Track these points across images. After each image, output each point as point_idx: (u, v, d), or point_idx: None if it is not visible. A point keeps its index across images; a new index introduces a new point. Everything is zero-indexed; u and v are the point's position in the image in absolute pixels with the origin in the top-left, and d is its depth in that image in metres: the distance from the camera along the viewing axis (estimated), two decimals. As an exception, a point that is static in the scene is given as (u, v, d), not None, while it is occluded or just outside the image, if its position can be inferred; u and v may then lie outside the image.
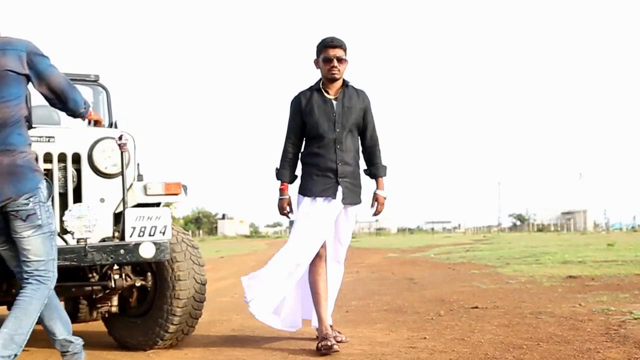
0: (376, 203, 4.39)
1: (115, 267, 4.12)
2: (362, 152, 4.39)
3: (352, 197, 4.26)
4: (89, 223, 3.72)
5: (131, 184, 4.19)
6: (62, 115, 4.99)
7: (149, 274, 4.31)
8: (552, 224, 70.31)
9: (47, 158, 3.96)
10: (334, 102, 4.22)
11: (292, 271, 4.16)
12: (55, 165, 3.97)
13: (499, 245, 20.83)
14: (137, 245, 3.79)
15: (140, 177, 4.65)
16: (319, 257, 4.21)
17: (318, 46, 4.25)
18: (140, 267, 4.30)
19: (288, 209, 4.36)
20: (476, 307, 5.69)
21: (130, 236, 3.83)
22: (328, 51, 4.18)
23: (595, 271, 8.74)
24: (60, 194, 4.00)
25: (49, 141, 3.99)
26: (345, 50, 4.20)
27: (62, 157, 4.02)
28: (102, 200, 4.10)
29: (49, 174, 3.97)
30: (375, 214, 4.40)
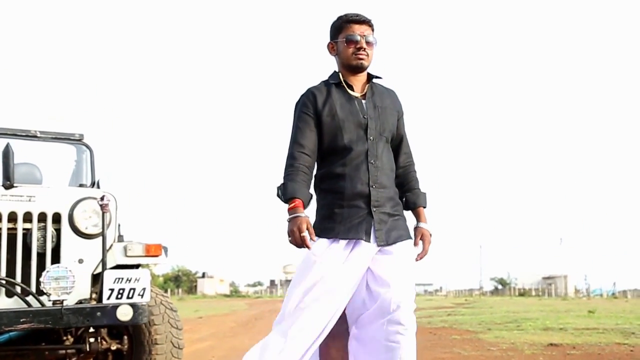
0: (421, 241, 3.04)
1: (91, 329, 4.05)
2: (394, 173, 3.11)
3: (391, 234, 2.90)
4: (67, 285, 3.68)
5: (111, 245, 4.17)
6: (45, 173, 4.99)
7: (126, 337, 4.23)
8: (534, 288, 70.28)
9: (27, 217, 3.94)
10: (363, 101, 2.98)
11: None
12: (34, 225, 3.95)
13: (480, 309, 20.72)
14: (115, 307, 3.74)
15: (120, 238, 4.62)
16: (338, 338, 2.90)
17: (336, 23, 3.01)
18: (117, 330, 4.23)
19: (307, 232, 2.76)
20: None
21: (108, 298, 3.78)
22: (353, 27, 2.95)
23: (577, 339, 8.70)
24: (38, 254, 3.96)
25: (29, 200, 3.97)
26: (373, 30, 3.00)
27: (42, 217, 3.99)
28: (80, 261, 4.05)
29: (28, 233, 3.94)
30: (421, 256, 3.02)
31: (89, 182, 5.16)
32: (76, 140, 5.30)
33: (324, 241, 2.82)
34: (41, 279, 3.68)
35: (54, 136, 5.06)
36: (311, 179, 2.92)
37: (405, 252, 2.90)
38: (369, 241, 2.82)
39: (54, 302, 3.67)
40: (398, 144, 3.09)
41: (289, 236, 2.75)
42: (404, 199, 3.06)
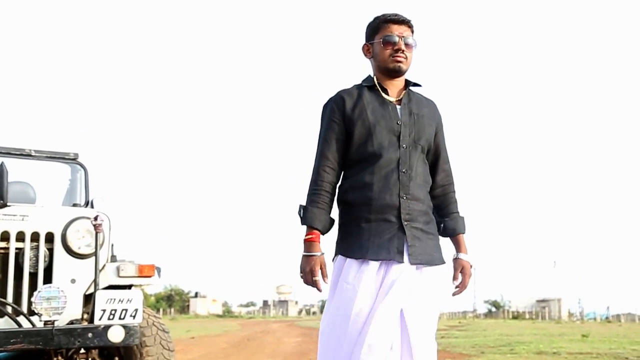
0: (460, 274, 2.73)
1: (82, 350, 4.02)
2: (431, 194, 2.79)
3: (426, 254, 2.60)
4: (58, 305, 3.66)
5: (104, 265, 4.15)
6: (39, 192, 4.99)
7: (117, 358, 4.20)
8: (527, 311, 70.10)
9: (20, 237, 3.93)
10: (397, 107, 2.72)
11: None
12: (27, 245, 3.93)
13: (474, 332, 20.64)
14: (106, 328, 3.72)
15: (113, 258, 4.60)
16: None
17: (372, 24, 2.77)
18: (108, 351, 4.20)
19: (320, 274, 2.57)
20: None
21: (100, 319, 3.76)
22: (391, 28, 2.71)
23: (570, 364, 8.67)
24: (30, 273, 3.94)
25: (22, 219, 3.96)
26: (413, 31, 2.76)
27: (35, 236, 3.98)
28: (73, 281, 4.03)
29: (20, 252, 3.93)
30: (459, 290, 2.73)
31: (82, 202, 5.16)
32: (71, 159, 5.30)
33: (352, 263, 2.55)
34: (33, 299, 3.66)
35: (48, 155, 5.07)
36: (334, 195, 2.69)
37: (435, 282, 2.63)
38: (402, 261, 2.52)
39: (45, 323, 3.65)
40: (436, 159, 2.81)
41: (301, 272, 2.58)
42: (442, 225, 2.78)
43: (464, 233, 2.79)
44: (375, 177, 2.59)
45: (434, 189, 2.78)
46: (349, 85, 2.75)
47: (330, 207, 2.67)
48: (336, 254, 2.63)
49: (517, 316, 63.86)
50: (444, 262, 2.66)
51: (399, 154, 2.62)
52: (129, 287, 4.28)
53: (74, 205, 4.95)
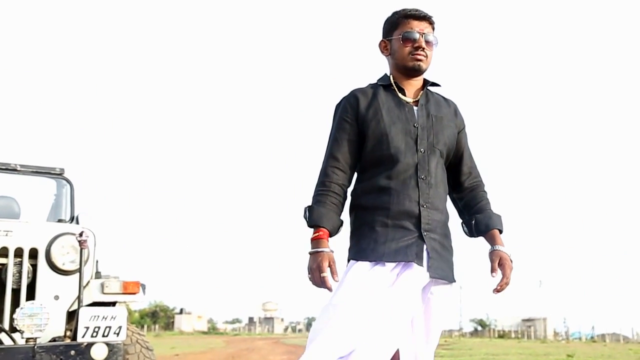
0: (500, 268, 2.45)
1: (64, 368, 3.97)
2: (456, 196, 2.66)
3: (443, 268, 2.42)
4: (41, 322, 3.62)
5: (88, 282, 4.12)
6: (23, 207, 4.95)
7: (99, 376, 4.15)
8: (513, 330, 70.13)
9: (3, 252, 3.89)
10: (414, 108, 2.54)
11: None
12: (10, 260, 3.90)
13: (460, 351, 20.59)
14: (89, 346, 3.68)
15: (98, 275, 4.57)
16: None
17: (391, 19, 2.59)
18: (91, 369, 4.15)
19: (329, 270, 2.32)
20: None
21: (83, 336, 3.72)
22: (412, 24, 2.53)
23: (555, 384, 8.67)
24: (13, 289, 3.90)
25: (6, 235, 3.93)
26: (434, 28, 2.58)
27: (18, 252, 3.94)
28: (56, 297, 4.00)
29: (3, 268, 3.89)
30: (502, 286, 2.44)
31: (68, 217, 5.12)
32: (57, 174, 5.27)
33: (364, 264, 2.34)
34: (15, 316, 3.62)
35: (34, 170, 5.04)
36: (344, 199, 2.49)
37: (447, 299, 2.47)
38: (421, 265, 2.32)
39: (27, 340, 3.60)
40: (459, 161, 2.62)
41: (309, 273, 2.34)
42: (473, 222, 2.55)
43: (499, 228, 2.55)
44: (392, 182, 2.41)
45: (460, 191, 2.62)
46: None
47: (340, 209, 2.46)
48: (350, 259, 2.40)
49: (502, 335, 63.86)
50: (454, 281, 2.48)
51: (417, 158, 2.44)
52: (113, 304, 4.24)
53: (59, 220, 4.92)
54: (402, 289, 2.29)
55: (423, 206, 2.39)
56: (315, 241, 2.36)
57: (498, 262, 2.45)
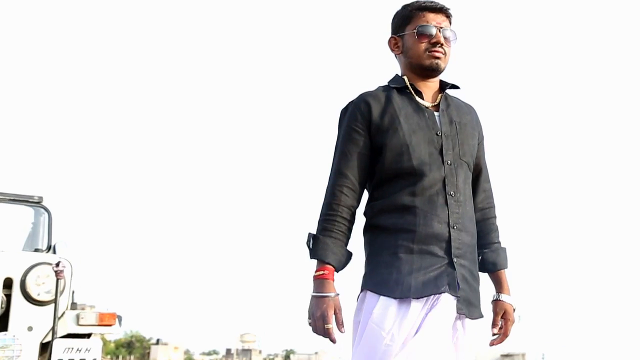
0: (501, 320, 2.24)
1: (36, 401, 3.89)
2: None
3: (474, 302, 2.14)
4: (13, 354, 3.56)
5: (63, 313, 4.07)
6: (-1, 235, 4.88)
7: (72, 410, 4.07)
8: (492, 365, 69.98)
9: (-23, 282, 3.82)
10: (435, 113, 2.22)
11: None
12: (-16, 290, 3.83)
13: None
14: (62, 379, 3.61)
15: (74, 305, 4.50)
16: None
17: (403, 12, 2.27)
18: (63, 403, 4.06)
19: (333, 322, 2.02)
20: None
21: (56, 369, 3.65)
22: (427, 17, 2.22)
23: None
24: (-14, 320, 3.83)
25: (-19, 264, 3.87)
26: (451, 22, 2.27)
27: (-7, 282, 3.88)
28: (30, 328, 3.93)
29: (-23, 298, 3.82)
30: (499, 339, 2.24)
31: (44, 246, 5.05)
32: (35, 202, 5.21)
33: (388, 304, 2.00)
34: (-14, 347, 3.55)
35: (12, 198, 4.98)
36: (353, 224, 2.15)
37: (473, 336, 2.17)
38: (454, 295, 2.03)
39: (-2, 372, 3.53)
40: (476, 176, 2.31)
41: (309, 318, 2.02)
42: (480, 257, 2.25)
43: (506, 268, 2.30)
44: (417, 199, 2.08)
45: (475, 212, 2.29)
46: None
47: (348, 238, 2.13)
48: (363, 290, 2.08)
49: (481, 370, 63.64)
50: (482, 316, 2.17)
51: (444, 172, 2.11)
52: (88, 335, 4.18)
53: (36, 250, 4.85)
54: (434, 333, 1.98)
55: (453, 227, 2.08)
56: (319, 281, 2.03)
57: (502, 314, 2.23)
